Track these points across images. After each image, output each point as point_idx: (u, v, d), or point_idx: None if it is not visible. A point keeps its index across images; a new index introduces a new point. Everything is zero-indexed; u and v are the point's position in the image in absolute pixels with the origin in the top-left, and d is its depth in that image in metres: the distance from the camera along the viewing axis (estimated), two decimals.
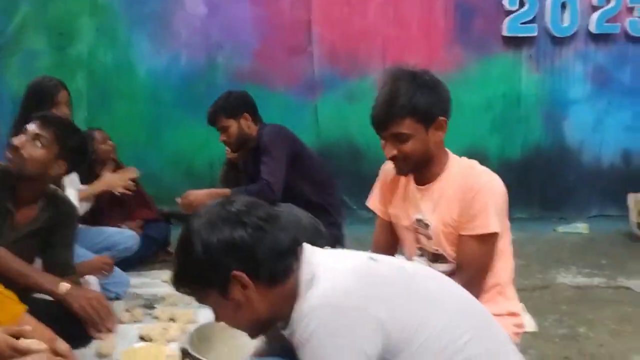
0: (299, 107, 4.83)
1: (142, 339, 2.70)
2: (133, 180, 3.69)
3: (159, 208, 4.22)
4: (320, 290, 1.28)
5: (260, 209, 1.38)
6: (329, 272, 1.32)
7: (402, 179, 2.04)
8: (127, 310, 3.03)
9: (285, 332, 1.35)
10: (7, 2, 4.62)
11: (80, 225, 3.47)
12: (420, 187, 1.97)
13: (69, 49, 4.70)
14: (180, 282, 1.39)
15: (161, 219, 4.12)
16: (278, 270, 1.34)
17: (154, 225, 3.99)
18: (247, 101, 3.38)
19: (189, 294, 1.42)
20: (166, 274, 3.65)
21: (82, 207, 3.33)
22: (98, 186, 3.53)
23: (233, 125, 3.31)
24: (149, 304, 3.17)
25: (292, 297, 1.33)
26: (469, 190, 1.84)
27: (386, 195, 2.11)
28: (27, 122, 2.36)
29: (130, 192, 3.67)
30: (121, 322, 2.90)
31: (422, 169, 1.93)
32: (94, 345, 2.61)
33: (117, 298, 3.21)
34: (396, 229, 2.08)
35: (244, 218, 1.34)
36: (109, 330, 2.25)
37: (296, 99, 4.84)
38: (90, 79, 4.73)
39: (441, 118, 1.87)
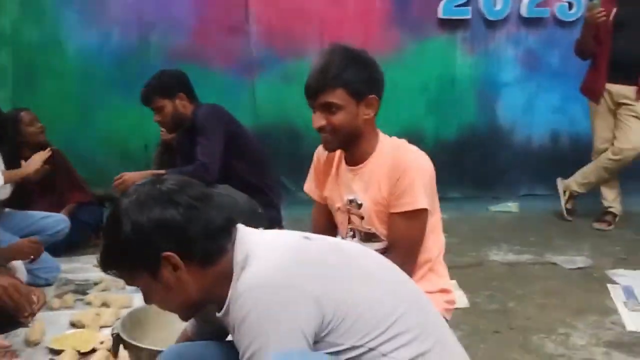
0: (236, 87, 4.77)
1: (73, 325, 2.64)
2: (47, 162, 3.40)
3: (93, 191, 4.10)
4: (254, 270, 1.27)
5: (193, 188, 1.36)
6: (263, 252, 1.31)
7: (335, 161, 2.05)
8: (58, 297, 2.95)
9: (220, 314, 1.33)
10: None
11: (5, 209, 3.35)
12: (351, 167, 1.99)
13: None
14: (108, 263, 1.35)
15: (94, 202, 4.00)
16: (211, 251, 1.32)
17: (86, 209, 3.88)
18: (182, 80, 3.30)
19: (117, 275, 1.38)
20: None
21: (4, 190, 3.18)
22: (23, 171, 3.32)
23: (168, 105, 3.23)
24: (81, 290, 3.09)
25: (225, 278, 1.31)
26: (397, 168, 1.87)
27: (320, 179, 2.12)
28: None
29: (60, 164, 3.49)
30: (52, 309, 2.82)
31: (352, 148, 1.95)
32: (22, 333, 2.53)
33: (47, 284, 3.11)
34: (332, 211, 2.09)
35: (175, 197, 1.31)
36: (31, 316, 2.14)
37: (233, 78, 4.78)
38: (15, 56, 4.52)
39: (372, 96, 1.89)
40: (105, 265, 1.36)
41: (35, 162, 3.31)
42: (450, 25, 4.85)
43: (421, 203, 1.85)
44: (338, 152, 2.03)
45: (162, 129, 3.66)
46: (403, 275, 1.47)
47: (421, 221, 1.89)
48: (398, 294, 1.37)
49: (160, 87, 3.23)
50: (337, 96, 1.85)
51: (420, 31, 4.86)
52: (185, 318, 1.44)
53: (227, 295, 1.30)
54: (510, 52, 4.96)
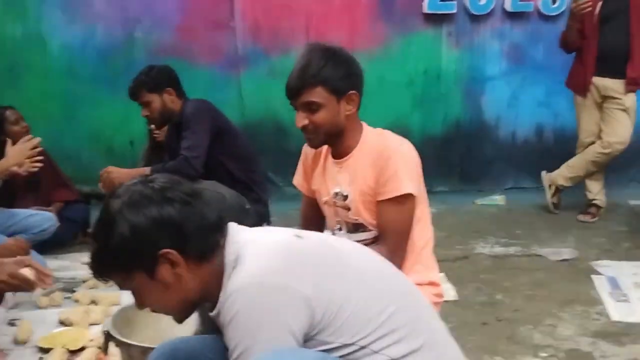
0: (222, 83, 4.75)
1: (62, 323, 2.63)
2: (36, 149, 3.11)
3: (79, 189, 4.07)
4: (245, 269, 1.27)
5: (183, 185, 1.36)
6: (254, 251, 1.31)
7: (322, 156, 2.08)
8: (46, 295, 2.92)
9: (212, 314, 1.34)
10: None
11: None
12: (336, 160, 2.01)
13: None
14: (101, 267, 1.34)
15: (80, 200, 3.98)
16: (206, 246, 1.32)
17: (72, 207, 3.86)
18: (170, 75, 3.28)
19: (108, 279, 1.36)
20: (86, 257, 3.52)
21: None
22: (4, 164, 3.10)
23: (156, 100, 3.21)
24: (69, 288, 3.07)
25: (218, 276, 1.31)
26: (381, 156, 1.89)
27: (308, 173, 2.15)
28: None
29: (45, 162, 3.30)
30: (40, 307, 2.81)
31: (336, 143, 1.98)
32: (10, 332, 2.52)
33: None
34: (320, 205, 2.11)
35: (169, 194, 1.30)
36: (46, 287, 2.14)
37: (219, 74, 4.76)
38: None
39: (352, 92, 1.91)
40: (99, 269, 1.34)
41: (17, 152, 3.01)
42: (435, 19, 4.87)
43: (407, 188, 1.87)
44: (324, 147, 2.05)
45: (154, 129, 3.64)
46: (394, 270, 1.48)
47: (409, 207, 1.91)
48: (389, 291, 1.38)
49: (148, 82, 3.21)
50: (317, 95, 1.87)
51: (405, 26, 4.87)
52: (180, 319, 1.42)
53: (219, 294, 1.30)
54: (495, 47, 4.98)
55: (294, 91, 1.89)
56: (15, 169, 2.98)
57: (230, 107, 4.34)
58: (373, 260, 1.46)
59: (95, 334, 2.45)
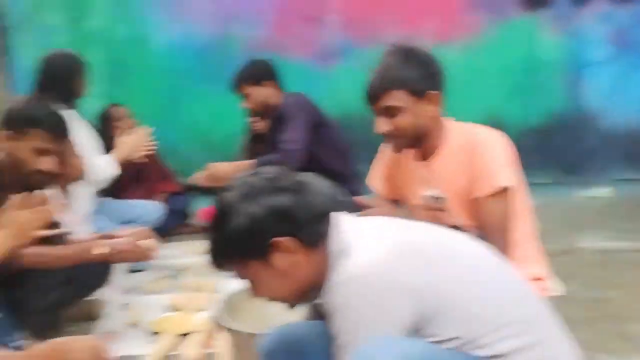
0: (315, 77, 4.80)
1: (169, 308, 2.74)
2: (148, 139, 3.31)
3: (179, 181, 4.25)
4: (352, 260, 1.27)
5: (290, 175, 1.38)
6: (361, 241, 1.31)
7: (405, 157, 2.01)
8: (154, 281, 3.07)
9: (319, 301, 1.36)
10: None
11: (102, 198, 3.52)
12: (423, 162, 1.95)
13: (84, 23, 4.69)
14: (220, 258, 1.37)
15: (182, 192, 4.15)
16: (317, 234, 1.34)
17: (174, 198, 4.02)
18: (271, 68, 3.37)
19: (226, 269, 1.39)
20: (188, 245, 3.69)
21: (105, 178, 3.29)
22: (121, 152, 3.31)
23: (256, 93, 3.30)
24: (175, 275, 3.21)
25: (325, 265, 1.33)
26: (470, 152, 1.83)
27: (389, 174, 2.09)
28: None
29: (150, 155, 3.48)
30: (148, 293, 2.95)
31: (420, 144, 1.91)
32: (122, 315, 2.66)
33: (142, 270, 3.25)
34: (403, 207, 2.06)
35: (280, 184, 1.34)
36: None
37: (313, 68, 4.81)
38: (105, 53, 4.72)
39: (432, 92, 1.85)
40: (217, 260, 1.37)
41: (133, 141, 3.21)
42: (534, 4, 4.69)
43: (502, 181, 1.80)
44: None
45: (254, 120, 3.74)
46: (506, 264, 1.44)
47: (507, 200, 1.82)
48: (500, 286, 1.34)
49: (250, 74, 3.31)
50: (397, 98, 1.82)
51: (502, 12, 4.72)
52: (294, 304, 1.44)
53: (324, 282, 1.32)
54: (599, 31, 4.74)
55: (373, 96, 1.85)
56: (132, 156, 3.16)
57: (324, 101, 4.37)
58: (485, 253, 1.43)
59: (202, 319, 2.55)
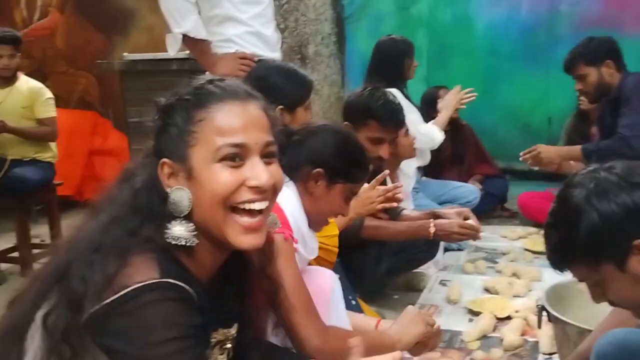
0: None
1: (487, 290, 2.77)
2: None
3: (497, 163, 4.22)
4: None
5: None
6: None
7: None
8: (471, 262, 3.13)
9: None
10: None
11: (423, 178, 3.70)
12: None
13: (412, 9, 4.92)
14: (564, 259, 1.30)
15: (500, 175, 4.12)
16: None
17: (491, 181, 4.02)
18: (612, 48, 3.08)
19: (568, 270, 1.32)
20: (505, 230, 3.66)
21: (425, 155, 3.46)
22: (444, 114, 3.55)
23: (592, 74, 3.05)
24: (491, 258, 3.22)
25: None
26: None
27: None
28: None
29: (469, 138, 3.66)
30: (465, 273, 3.02)
31: None
32: (442, 291, 2.78)
33: (459, 249, 3.34)
34: None
35: (634, 179, 1.22)
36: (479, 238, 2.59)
37: None
38: (430, 37, 4.89)
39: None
40: (560, 260, 1.31)
41: (451, 101, 3.59)
42: None
43: None
44: None
45: (582, 99, 3.51)
46: None
47: None
48: None
49: (586, 54, 3.06)
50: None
51: None
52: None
53: None
54: None
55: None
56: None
57: None
58: None
59: (521, 305, 2.52)
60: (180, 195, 1.04)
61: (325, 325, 1.53)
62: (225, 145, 1.03)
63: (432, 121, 3.46)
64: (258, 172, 1.05)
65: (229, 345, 1.17)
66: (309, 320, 1.48)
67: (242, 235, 1.06)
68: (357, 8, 5.08)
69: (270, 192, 1.08)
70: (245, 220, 1.06)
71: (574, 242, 1.25)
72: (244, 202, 1.05)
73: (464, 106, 3.63)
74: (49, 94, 3.61)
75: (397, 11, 4.94)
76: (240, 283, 1.19)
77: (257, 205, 1.06)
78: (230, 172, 1.04)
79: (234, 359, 1.19)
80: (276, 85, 2.06)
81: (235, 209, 1.05)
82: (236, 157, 1.04)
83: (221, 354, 1.16)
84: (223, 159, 1.04)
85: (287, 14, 4.53)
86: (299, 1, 4.60)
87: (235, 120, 1.05)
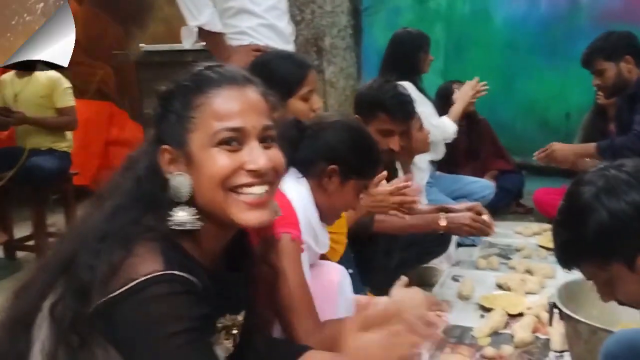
0: None
1: (499, 287, 2.75)
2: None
3: (512, 159, 4.18)
4: None
5: None
6: None
7: None
8: (483, 258, 3.10)
9: None
10: None
11: (436, 172, 3.68)
12: None
13: (430, 3, 4.88)
14: (572, 257, 1.29)
15: (515, 171, 4.07)
16: None
17: (507, 177, 3.98)
18: (631, 42, 3.02)
19: (576, 268, 1.30)
20: (519, 226, 3.63)
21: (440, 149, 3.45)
22: (459, 105, 3.55)
23: (611, 69, 3.01)
24: (504, 254, 3.19)
25: None
26: None
27: None
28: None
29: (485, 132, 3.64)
30: (478, 268, 3.00)
31: None
32: (454, 287, 2.76)
33: (473, 244, 3.32)
34: None
35: None
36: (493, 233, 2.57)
37: None
38: (447, 30, 4.84)
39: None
40: (569, 258, 1.30)
41: (465, 93, 3.62)
42: None
43: None
44: None
45: (599, 93, 3.46)
46: None
47: None
48: None
49: (604, 48, 3.02)
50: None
51: None
52: None
53: None
54: None
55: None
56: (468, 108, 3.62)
57: None
58: None
59: (533, 302, 2.49)
60: (180, 180, 1.05)
61: (322, 329, 1.51)
62: (222, 130, 1.04)
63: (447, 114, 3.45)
64: (256, 156, 1.05)
65: (235, 332, 1.18)
66: (306, 322, 1.48)
67: (246, 212, 1.06)
68: (375, 1, 5.04)
69: (270, 176, 1.08)
70: (249, 197, 1.06)
71: (582, 241, 1.23)
72: (242, 186, 1.05)
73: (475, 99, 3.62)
74: (67, 83, 3.64)
75: (414, 4, 4.90)
76: (244, 270, 1.20)
77: (256, 189, 1.06)
78: (227, 156, 1.04)
79: (240, 345, 1.20)
80: (273, 66, 2.02)
81: (235, 190, 1.06)
82: (233, 140, 1.05)
83: (227, 339, 1.17)
84: (220, 143, 1.04)
85: (304, 6, 4.52)
86: None
87: (232, 105, 1.06)
